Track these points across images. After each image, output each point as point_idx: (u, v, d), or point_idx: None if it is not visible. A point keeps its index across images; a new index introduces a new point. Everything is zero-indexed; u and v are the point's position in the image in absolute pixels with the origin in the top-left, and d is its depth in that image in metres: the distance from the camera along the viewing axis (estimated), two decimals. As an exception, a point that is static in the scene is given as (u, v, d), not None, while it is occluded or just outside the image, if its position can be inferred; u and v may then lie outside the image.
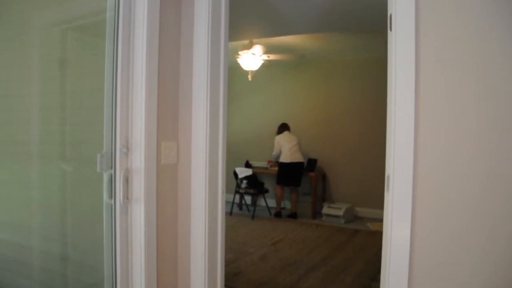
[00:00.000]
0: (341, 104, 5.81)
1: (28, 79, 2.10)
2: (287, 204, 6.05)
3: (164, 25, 1.68)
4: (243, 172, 5.61)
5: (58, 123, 2.02)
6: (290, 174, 5.43)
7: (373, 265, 3.45)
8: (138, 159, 1.59)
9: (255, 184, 5.68)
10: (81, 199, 1.99)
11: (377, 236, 4.39)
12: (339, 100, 5.83)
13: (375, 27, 3.46)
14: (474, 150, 1.25)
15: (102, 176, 1.61)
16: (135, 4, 1.60)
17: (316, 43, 4.90)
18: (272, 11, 3.50)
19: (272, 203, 6.01)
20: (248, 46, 4.73)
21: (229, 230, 4.42)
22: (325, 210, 5.44)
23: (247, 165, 6.00)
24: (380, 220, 1.66)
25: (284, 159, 5.45)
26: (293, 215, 5.52)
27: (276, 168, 5.61)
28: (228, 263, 3.31)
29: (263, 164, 6.01)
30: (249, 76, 5.27)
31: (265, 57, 4.92)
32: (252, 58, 4.86)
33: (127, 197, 1.60)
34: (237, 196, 5.95)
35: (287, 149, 5.43)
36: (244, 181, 5.69)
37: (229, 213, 5.69)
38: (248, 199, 6.28)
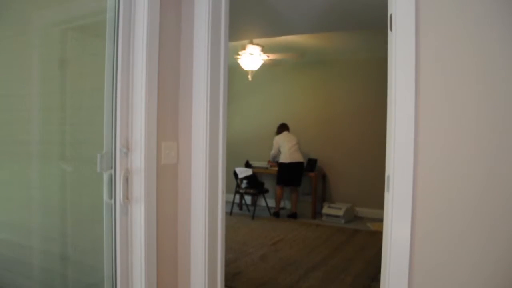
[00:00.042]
0: (341, 104, 5.81)
1: (28, 79, 2.10)
2: (287, 204, 6.05)
3: (164, 25, 1.68)
4: (243, 172, 5.61)
5: (58, 123, 2.02)
6: (290, 174, 5.43)
7: (373, 265, 3.45)
8: (138, 159, 1.59)
9: (255, 184, 5.68)
10: (81, 199, 1.99)
11: (377, 236, 4.39)
12: (339, 100, 5.83)
13: (375, 27, 3.46)
14: (474, 150, 1.25)
15: (102, 176, 1.61)
16: (135, 4, 1.60)
17: (317, 42, 4.90)
18: (272, 11, 3.50)
19: (272, 203, 6.01)
20: (244, 46, 4.73)
21: (229, 230, 4.42)
22: (325, 210, 5.44)
23: (247, 165, 6.00)
24: (380, 220, 1.66)
25: (283, 159, 5.44)
26: (293, 215, 5.52)
27: (276, 168, 5.61)
28: (228, 263, 3.31)
29: (263, 164, 6.01)
30: (249, 76, 5.27)
31: (265, 56, 4.92)
32: (251, 58, 4.86)
33: (127, 197, 1.60)
34: (237, 196, 5.95)
35: (286, 149, 5.43)
36: (244, 181, 5.69)
37: (229, 213, 5.69)
38: (248, 199, 6.28)
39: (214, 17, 1.78)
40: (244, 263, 3.52)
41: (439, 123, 1.30)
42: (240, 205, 6.09)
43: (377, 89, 4.64)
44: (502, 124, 1.21)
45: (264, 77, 6.09)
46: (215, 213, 1.84)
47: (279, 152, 5.57)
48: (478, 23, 1.24)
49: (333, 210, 5.37)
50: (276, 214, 5.56)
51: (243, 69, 5.18)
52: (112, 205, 1.61)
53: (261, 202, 6.07)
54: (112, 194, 1.60)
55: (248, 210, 5.94)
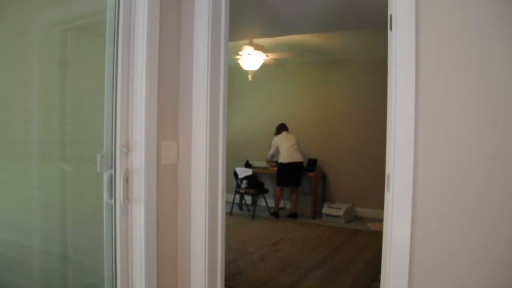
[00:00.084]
0: (341, 104, 5.81)
1: (28, 79, 2.10)
2: (287, 204, 6.05)
3: (164, 25, 1.68)
4: (243, 172, 5.61)
5: (58, 123, 2.02)
6: (289, 174, 5.42)
7: (373, 265, 3.45)
8: (138, 159, 1.59)
9: (255, 184, 5.68)
10: (81, 199, 1.99)
11: (377, 236, 4.39)
12: (340, 100, 5.83)
13: (375, 27, 3.46)
14: (474, 150, 1.25)
15: (102, 176, 1.61)
16: (135, 4, 1.60)
17: (317, 40, 4.87)
18: (272, 11, 3.50)
19: (272, 203, 6.01)
20: (242, 48, 4.73)
21: (229, 230, 4.40)
22: (325, 210, 5.44)
23: (247, 165, 6.00)
24: (380, 220, 1.66)
25: (282, 159, 5.44)
26: (293, 215, 5.52)
27: (276, 168, 5.60)
28: (228, 263, 3.31)
29: (263, 164, 6.01)
30: (249, 76, 5.27)
31: (264, 56, 4.91)
32: (250, 58, 4.86)
33: (127, 197, 1.60)
34: (237, 196, 5.95)
35: (285, 149, 5.43)
36: (244, 181, 5.69)
37: (229, 213, 5.69)
38: (248, 199, 6.28)
39: (214, 17, 1.78)
40: (244, 263, 3.52)
41: (439, 123, 1.30)
42: (240, 205, 6.09)
43: (377, 89, 4.63)
44: (502, 124, 1.21)
45: (264, 77, 6.09)
46: (215, 213, 1.84)
47: (277, 151, 5.57)
48: (478, 23, 1.24)
49: (333, 210, 5.37)
50: (276, 214, 5.56)
51: (243, 69, 5.18)
52: (112, 205, 1.61)
53: (261, 202, 6.07)
54: (112, 194, 1.60)
55: (248, 210, 5.94)
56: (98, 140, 1.64)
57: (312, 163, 5.73)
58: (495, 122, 1.22)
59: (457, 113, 1.27)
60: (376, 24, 2.78)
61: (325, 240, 4.40)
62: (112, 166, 1.60)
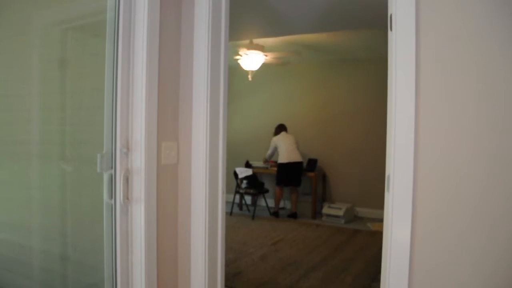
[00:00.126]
0: (341, 104, 5.81)
1: (28, 79, 2.10)
2: (287, 204, 6.05)
3: (164, 25, 1.68)
4: (243, 172, 5.61)
5: (58, 123, 2.02)
6: (288, 174, 5.42)
7: (373, 265, 3.45)
8: (138, 159, 1.59)
9: (255, 184, 5.68)
10: (81, 199, 1.99)
11: (377, 236, 4.39)
12: (340, 100, 5.83)
13: (375, 27, 3.46)
14: (474, 150, 1.25)
15: (102, 176, 1.61)
16: (135, 4, 1.60)
17: (317, 38, 4.86)
18: (272, 11, 3.50)
19: (272, 203, 6.01)
20: (240, 48, 4.73)
21: (229, 230, 4.42)
22: (325, 210, 5.44)
23: (247, 165, 6.00)
24: (380, 220, 1.66)
25: (281, 159, 5.44)
26: (293, 215, 5.52)
27: (276, 168, 5.61)
28: (228, 263, 3.31)
29: (263, 164, 6.01)
30: (249, 76, 5.27)
31: (264, 56, 4.91)
32: (250, 57, 4.86)
33: (127, 197, 1.60)
34: (237, 196, 5.95)
35: (284, 150, 5.42)
36: (244, 181, 5.69)
37: (229, 213, 5.69)
38: (248, 199, 6.28)
39: (214, 17, 1.78)
40: (244, 263, 3.52)
41: (439, 123, 1.30)
42: (240, 205, 6.09)
43: (377, 89, 4.63)
44: (502, 124, 1.21)
45: (264, 77, 6.09)
46: (215, 213, 1.85)
47: (276, 152, 5.57)
48: (478, 23, 1.24)
49: (333, 210, 5.37)
50: (276, 214, 5.56)
51: (243, 69, 5.18)
52: (112, 205, 1.61)
53: (261, 202, 6.07)
54: (112, 194, 1.60)
55: (248, 210, 5.94)
56: (98, 140, 1.64)
57: (312, 163, 5.73)
58: (495, 122, 1.22)
59: (457, 113, 1.27)
60: (376, 24, 2.79)
61: (325, 240, 4.40)
62: (112, 166, 1.60)
